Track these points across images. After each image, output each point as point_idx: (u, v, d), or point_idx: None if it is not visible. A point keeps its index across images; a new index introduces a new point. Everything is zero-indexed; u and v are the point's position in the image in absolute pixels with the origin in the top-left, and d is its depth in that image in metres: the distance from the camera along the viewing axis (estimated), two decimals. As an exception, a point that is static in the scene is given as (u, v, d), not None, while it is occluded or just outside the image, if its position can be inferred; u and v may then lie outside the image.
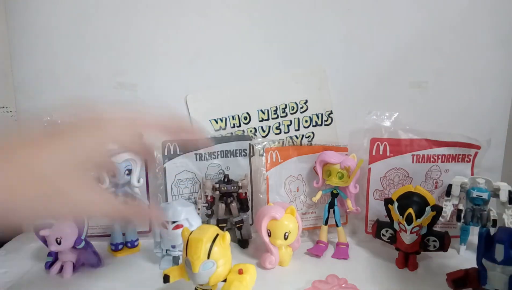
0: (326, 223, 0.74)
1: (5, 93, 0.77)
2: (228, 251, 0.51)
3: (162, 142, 0.75)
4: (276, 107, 0.82)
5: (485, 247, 0.51)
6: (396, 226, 0.66)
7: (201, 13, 0.76)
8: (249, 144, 0.79)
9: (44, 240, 0.62)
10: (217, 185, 0.74)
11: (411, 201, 0.63)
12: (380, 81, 0.81)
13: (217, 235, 0.50)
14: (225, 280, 0.51)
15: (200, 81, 0.79)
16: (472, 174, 0.75)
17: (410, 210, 0.62)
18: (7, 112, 0.78)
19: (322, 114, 0.83)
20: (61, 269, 0.64)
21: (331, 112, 0.82)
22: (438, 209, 0.63)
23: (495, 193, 0.68)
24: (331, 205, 0.74)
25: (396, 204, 0.65)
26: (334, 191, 0.74)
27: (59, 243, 0.61)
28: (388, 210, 0.67)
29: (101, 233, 0.77)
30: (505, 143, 0.84)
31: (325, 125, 0.83)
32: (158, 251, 0.66)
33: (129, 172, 0.71)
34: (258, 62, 0.79)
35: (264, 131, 0.82)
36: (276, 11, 0.78)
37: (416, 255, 0.66)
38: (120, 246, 0.72)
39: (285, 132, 0.83)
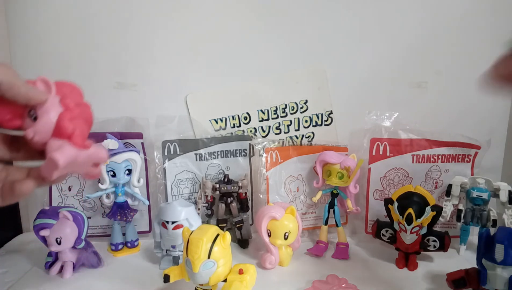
0: (326, 223, 0.74)
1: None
2: (229, 251, 0.51)
3: (162, 142, 0.75)
4: (276, 107, 0.82)
5: (485, 247, 0.51)
6: (396, 226, 0.66)
7: (201, 13, 0.76)
8: (249, 144, 0.80)
9: (44, 240, 0.62)
10: (217, 185, 0.74)
11: (411, 201, 0.63)
12: (380, 81, 0.81)
13: (218, 235, 0.50)
14: (225, 280, 0.51)
15: (200, 81, 0.79)
16: (472, 174, 0.75)
17: (410, 210, 0.62)
18: (7, 112, 0.78)
19: (322, 114, 0.83)
20: (61, 269, 0.64)
21: (331, 112, 0.82)
22: (438, 209, 0.63)
23: (495, 193, 0.69)
24: (331, 205, 0.74)
25: (396, 204, 0.65)
26: (334, 191, 0.74)
27: (59, 243, 0.61)
28: (388, 210, 0.67)
29: (101, 233, 0.77)
30: (505, 143, 0.84)
31: (325, 125, 0.83)
32: (158, 251, 0.66)
33: (129, 172, 0.71)
34: (258, 62, 0.79)
35: (264, 131, 0.82)
36: (276, 11, 0.77)
37: (416, 255, 0.66)
38: (120, 246, 0.72)
39: (285, 132, 0.83)
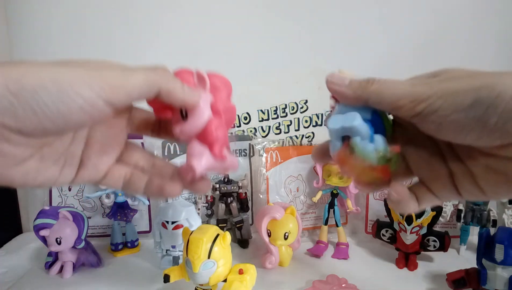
0: (326, 223, 0.74)
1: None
2: (229, 251, 0.51)
3: (162, 142, 0.75)
4: (276, 107, 0.82)
5: (485, 247, 0.51)
6: (396, 226, 0.66)
7: (201, 13, 0.76)
8: (249, 144, 0.80)
9: (44, 240, 0.62)
10: (217, 185, 0.74)
11: (411, 201, 0.63)
12: (380, 81, 0.81)
13: (218, 235, 0.50)
14: (225, 280, 0.51)
15: (200, 81, 0.79)
16: (472, 174, 0.75)
17: (410, 210, 0.62)
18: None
19: (322, 114, 0.83)
20: (61, 269, 0.64)
21: (331, 112, 0.82)
22: (438, 209, 0.64)
23: (495, 193, 0.68)
24: (331, 205, 0.74)
25: (396, 204, 0.65)
26: (334, 191, 0.74)
27: (59, 243, 0.61)
28: (388, 210, 0.67)
29: (101, 233, 0.77)
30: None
31: (325, 125, 0.83)
32: (158, 251, 0.66)
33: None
34: (258, 62, 0.79)
35: (264, 131, 0.82)
36: (276, 11, 0.78)
37: (416, 255, 0.66)
38: (120, 246, 0.72)
39: (285, 132, 0.83)
